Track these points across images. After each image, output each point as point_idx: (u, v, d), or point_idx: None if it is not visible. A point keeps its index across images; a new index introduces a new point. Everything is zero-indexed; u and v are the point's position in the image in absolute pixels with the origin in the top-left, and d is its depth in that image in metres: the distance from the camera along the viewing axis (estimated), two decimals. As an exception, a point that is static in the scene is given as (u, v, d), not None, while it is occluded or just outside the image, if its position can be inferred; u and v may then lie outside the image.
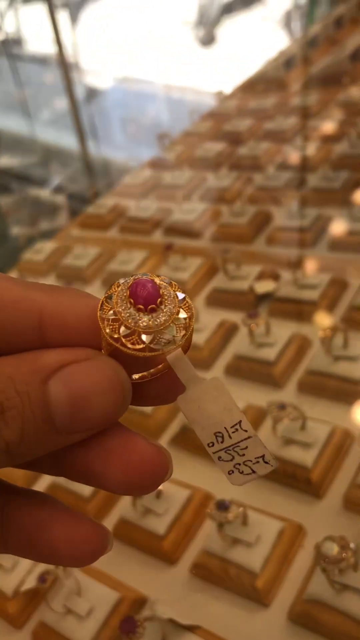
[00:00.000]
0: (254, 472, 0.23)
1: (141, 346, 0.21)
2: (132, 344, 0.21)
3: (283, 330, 0.70)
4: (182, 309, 0.23)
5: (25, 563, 0.58)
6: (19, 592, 0.56)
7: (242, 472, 0.23)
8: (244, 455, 0.23)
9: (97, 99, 3.06)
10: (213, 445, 0.23)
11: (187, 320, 0.22)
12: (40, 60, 3.33)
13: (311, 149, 1.03)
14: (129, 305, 0.22)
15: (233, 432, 0.23)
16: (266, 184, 0.99)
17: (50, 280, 0.98)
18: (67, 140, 2.73)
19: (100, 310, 0.22)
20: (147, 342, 0.21)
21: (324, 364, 0.64)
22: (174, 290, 0.23)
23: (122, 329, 0.21)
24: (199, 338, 0.72)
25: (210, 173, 1.10)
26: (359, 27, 1.42)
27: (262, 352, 0.68)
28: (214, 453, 0.23)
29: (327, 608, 0.47)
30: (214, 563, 0.53)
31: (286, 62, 1.33)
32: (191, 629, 0.49)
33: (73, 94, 2.44)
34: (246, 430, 0.23)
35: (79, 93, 2.55)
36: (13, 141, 3.19)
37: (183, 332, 0.22)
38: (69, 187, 2.56)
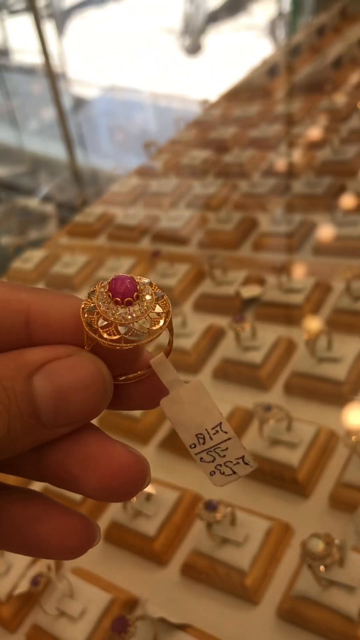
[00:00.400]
0: (234, 472, 0.24)
1: (117, 337, 0.22)
2: (109, 334, 0.22)
3: (269, 334, 0.71)
4: (159, 304, 0.23)
5: (18, 567, 0.58)
6: (12, 596, 0.57)
7: (223, 473, 0.24)
8: (224, 456, 0.24)
9: (84, 108, 3.08)
10: (195, 446, 0.24)
11: (164, 315, 0.23)
12: (27, 71, 3.35)
13: (295, 156, 1.04)
14: (108, 299, 0.23)
15: (214, 434, 0.24)
16: (251, 190, 1.01)
17: (40, 289, 0.99)
18: (54, 149, 2.74)
19: (82, 305, 0.23)
20: (122, 333, 0.22)
21: (309, 366, 0.65)
22: (153, 289, 0.24)
23: (100, 320, 0.22)
24: (186, 342, 0.73)
25: (196, 180, 1.11)
26: (341, 36, 1.44)
27: (248, 355, 0.69)
28: (196, 454, 0.24)
29: (314, 604, 0.48)
30: (203, 563, 0.54)
31: (270, 70, 1.35)
32: (182, 627, 0.50)
33: (60, 103, 2.46)
34: (226, 432, 0.24)
35: (66, 103, 2.56)
36: (1, 151, 3.20)
37: (159, 325, 0.23)
38: (58, 196, 2.57)
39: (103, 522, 0.61)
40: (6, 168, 3.03)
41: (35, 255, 1.05)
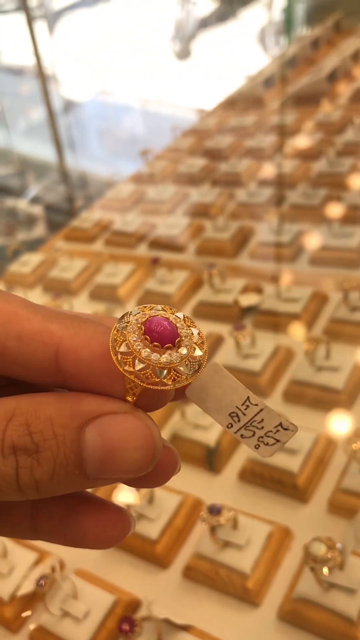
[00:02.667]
0: (278, 441, 0.24)
1: (156, 380, 0.22)
2: (147, 377, 0.22)
3: (267, 342, 0.72)
4: (197, 346, 0.23)
5: (21, 569, 0.59)
6: (15, 596, 0.58)
7: (267, 444, 0.24)
8: (262, 428, 0.24)
9: (74, 110, 3.08)
10: (232, 426, 0.24)
11: (201, 359, 0.23)
12: (15, 71, 3.34)
13: (291, 167, 1.06)
14: (145, 342, 0.22)
15: (245, 409, 0.24)
16: (248, 200, 1.02)
17: (37, 292, 1.00)
18: (43, 151, 2.74)
19: (112, 343, 0.22)
20: (161, 377, 0.22)
21: (308, 374, 0.67)
22: (188, 326, 0.24)
23: (138, 364, 0.22)
24: (186, 349, 0.75)
25: (193, 188, 1.13)
26: (335, 49, 1.47)
27: (248, 363, 0.70)
28: (235, 433, 0.24)
29: (315, 606, 0.50)
30: (205, 565, 0.55)
31: (265, 81, 1.37)
32: (185, 628, 0.51)
33: (51, 105, 2.46)
34: (256, 405, 0.24)
35: (56, 104, 2.57)
36: (-11, 152, 3.18)
37: (196, 368, 0.23)
38: (46, 198, 2.57)
39: (105, 525, 0.62)
40: (-6, 169, 3.01)
41: (32, 259, 1.06)
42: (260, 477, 0.60)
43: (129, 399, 0.23)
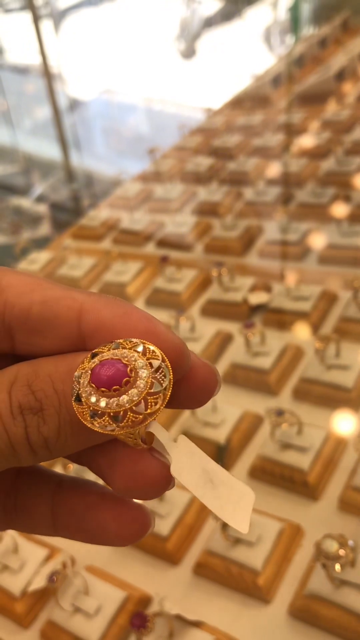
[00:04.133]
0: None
1: (113, 427, 0.21)
2: (102, 427, 0.21)
3: (277, 340, 0.73)
4: (155, 380, 0.22)
5: (32, 564, 0.60)
6: (26, 592, 0.58)
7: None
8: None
9: (79, 109, 3.09)
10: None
11: (162, 393, 0.22)
12: (20, 70, 3.34)
13: (299, 165, 1.06)
14: (94, 388, 0.21)
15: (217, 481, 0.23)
16: (256, 198, 1.03)
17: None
18: (48, 149, 2.75)
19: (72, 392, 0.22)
20: (117, 422, 0.21)
21: (318, 373, 0.67)
22: (147, 358, 0.22)
23: (91, 412, 0.21)
24: (195, 347, 0.75)
25: (201, 187, 1.13)
26: (342, 48, 1.47)
27: (257, 360, 0.70)
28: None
29: (326, 603, 0.50)
30: (216, 562, 0.55)
31: (273, 79, 1.37)
32: (197, 624, 0.52)
33: (56, 104, 2.46)
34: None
35: (62, 103, 2.57)
36: (-6, 150, 3.19)
37: (157, 407, 0.21)
38: (51, 197, 2.57)
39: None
40: None
41: (41, 257, 1.06)
42: (270, 474, 0.61)
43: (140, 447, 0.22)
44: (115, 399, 0.21)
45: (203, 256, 0.96)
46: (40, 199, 2.55)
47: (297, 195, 1.00)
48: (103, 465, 0.23)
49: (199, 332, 0.77)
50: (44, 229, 2.23)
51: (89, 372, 0.21)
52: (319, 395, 0.66)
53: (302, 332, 0.75)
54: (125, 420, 0.21)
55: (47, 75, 2.43)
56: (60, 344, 0.24)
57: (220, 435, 0.64)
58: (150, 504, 0.60)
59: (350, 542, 0.49)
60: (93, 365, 0.22)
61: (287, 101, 1.33)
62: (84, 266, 0.99)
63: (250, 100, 1.38)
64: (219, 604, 0.54)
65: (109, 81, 3.25)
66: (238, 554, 0.54)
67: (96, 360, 0.22)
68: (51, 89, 2.44)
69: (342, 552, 0.48)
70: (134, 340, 0.22)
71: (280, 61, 1.53)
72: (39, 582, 0.58)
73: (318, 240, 0.89)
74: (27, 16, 2.51)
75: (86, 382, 0.21)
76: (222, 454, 0.64)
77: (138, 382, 0.21)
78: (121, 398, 0.21)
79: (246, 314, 0.80)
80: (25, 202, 2.46)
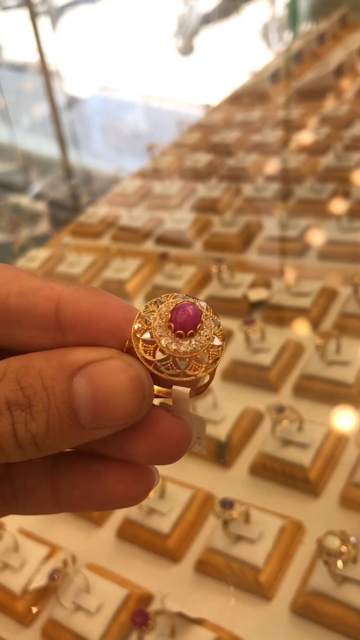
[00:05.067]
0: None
1: (177, 371, 0.22)
2: (167, 368, 0.22)
3: (277, 337, 0.72)
4: (217, 336, 0.23)
5: (32, 563, 0.59)
6: (27, 590, 0.58)
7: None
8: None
9: (77, 106, 3.08)
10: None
11: (219, 349, 0.23)
12: (18, 68, 3.34)
13: (298, 161, 1.06)
14: (168, 331, 0.22)
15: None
16: (255, 194, 1.02)
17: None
18: (46, 147, 2.74)
19: (135, 327, 0.22)
20: (182, 368, 0.22)
21: (318, 369, 0.67)
22: (211, 316, 0.23)
23: (158, 353, 0.22)
24: (195, 344, 0.75)
25: (200, 183, 1.13)
26: (341, 43, 1.47)
27: (257, 357, 0.70)
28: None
29: (328, 600, 0.50)
30: (217, 559, 0.55)
31: (271, 75, 1.37)
32: (198, 622, 0.51)
33: (54, 101, 2.45)
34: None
35: (60, 100, 2.57)
36: (-8, 148, 3.18)
37: (214, 359, 0.23)
38: (50, 195, 2.57)
39: (117, 519, 0.62)
40: (-3, 165, 3.01)
41: (40, 255, 1.06)
42: (271, 471, 0.60)
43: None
44: (187, 343, 0.22)
45: (202, 253, 0.96)
46: (38, 196, 2.55)
47: (297, 191, 0.99)
48: (120, 434, 0.23)
49: (198, 329, 0.77)
50: (43, 226, 2.23)
51: (168, 314, 0.22)
52: (319, 391, 0.66)
53: (302, 328, 0.75)
54: (189, 367, 0.22)
55: (45, 72, 2.42)
56: (38, 335, 0.23)
57: (220, 432, 0.64)
58: (150, 502, 0.60)
59: (352, 539, 0.49)
60: (169, 308, 0.22)
61: (286, 97, 1.33)
62: (83, 263, 0.99)
63: (249, 97, 1.38)
64: (220, 601, 0.54)
65: (107, 78, 3.24)
66: (239, 551, 0.54)
67: (167, 304, 0.22)
68: (49, 86, 2.43)
69: (344, 548, 0.48)
70: (194, 297, 0.23)
71: (278, 57, 1.53)
72: (40, 581, 0.57)
73: (318, 236, 0.89)
74: (24, 13, 2.50)
75: (161, 323, 0.22)
76: (223, 451, 0.64)
77: (205, 332, 0.22)
78: (191, 343, 0.22)
79: (246, 310, 0.80)
80: (23, 200, 2.45)
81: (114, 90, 3.19)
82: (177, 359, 0.22)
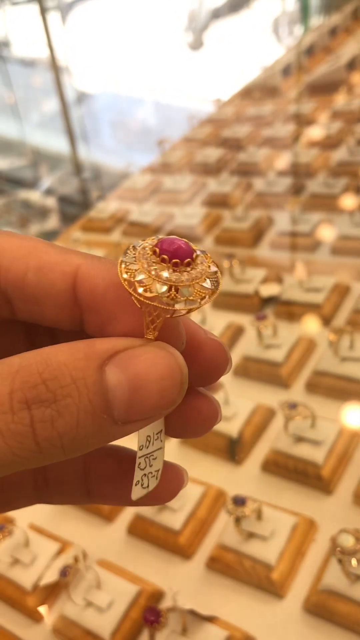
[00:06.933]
0: (147, 486, 0.23)
1: (182, 299, 0.21)
2: (173, 298, 0.20)
3: (289, 332, 0.72)
4: (211, 264, 0.22)
5: (43, 558, 0.59)
6: (38, 586, 0.58)
7: (142, 485, 0.23)
8: (152, 466, 0.23)
9: (87, 102, 3.08)
10: (142, 449, 0.23)
11: (218, 274, 0.22)
12: (27, 63, 3.33)
13: (310, 156, 1.05)
14: (162, 264, 0.21)
15: (155, 440, 0.23)
16: (267, 189, 1.01)
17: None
18: (56, 143, 2.74)
19: (124, 277, 0.21)
20: (187, 296, 0.21)
21: (331, 365, 0.66)
22: (207, 261, 0.22)
23: (158, 286, 0.20)
24: (207, 340, 0.74)
25: (211, 178, 1.12)
26: (353, 36, 1.45)
27: (270, 353, 0.70)
28: (138, 457, 0.23)
29: (342, 598, 0.49)
30: (229, 556, 0.55)
31: (283, 69, 1.35)
32: (210, 619, 0.51)
33: (64, 96, 2.45)
34: (162, 441, 0.23)
35: (69, 96, 2.56)
36: (2, 143, 3.19)
37: (217, 282, 0.22)
38: (59, 190, 2.56)
39: (128, 515, 0.62)
40: (7, 160, 3.02)
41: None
42: (284, 468, 0.60)
43: (150, 336, 0.21)
44: (187, 273, 0.21)
45: (213, 248, 0.95)
46: (48, 192, 2.55)
47: (309, 185, 0.99)
48: None
49: (210, 325, 0.76)
50: (52, 222, 2.23)
51: (154, 249, 0.21)
52: (332, 387, 0.65)
53: (314, 324, 0.75)
54: (195, 294, 0.21)
55: (55, 67, 2.42)
56: (56, 312, 0.23)
57: (232, 428, 0.64)
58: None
59: (367, 537, 0.48)
60: (152, 244, 0.21)
61: (298, 91, 1.31)
62: (94, 258, 0.98)
63: (260, 91, 1.36)
64: (232, 599, 0.54)
65: (116, 73, 3.24)
66: (251, 548, 0.54)
67: (149, 242, 0.21)
68: (59, 81, 2.43)
69: (358, 546, 0.47)
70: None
71: (290, 51, 1.52)
72: (51, 576, 0.57)
73: (330, 231, 0.88)
74: (34, 8, 2.50)
75: (150, 260, 0.20)
76: (235, 448, 0.63)
77: (200, 258, 0.21)
78: (192, 271, 0.21)
79: (258, 306, 0.79)
80: (33, 195, 2.45)
81: (124, 85, 3.19)
82: (180, 288, 0.20)
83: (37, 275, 0.22)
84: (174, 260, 0.21)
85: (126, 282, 0.21)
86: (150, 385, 0.20)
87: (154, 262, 0.21)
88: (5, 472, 0.20)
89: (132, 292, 0.20)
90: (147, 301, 0.20)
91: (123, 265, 0.21)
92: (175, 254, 0.21)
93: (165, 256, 0.21)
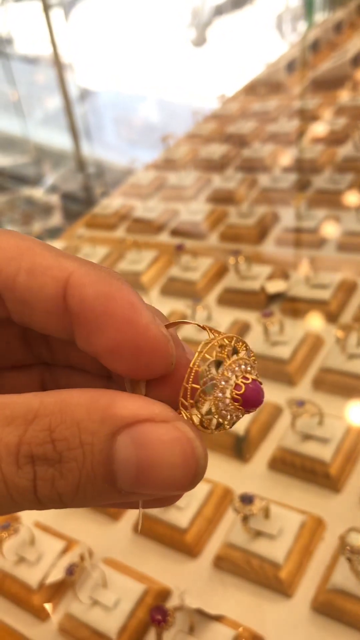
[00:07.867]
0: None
1: (213, 430, 0.22)
2: (207, 425, 0.22)
3: (296, 329, 0.71)
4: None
5: (49, 557, 0.59)
6: (44, 584, 0.57)
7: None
8: None
9: (90, 99, 3.07)
10: None
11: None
12: (30, 60, 3.33)
13: (315, 152, 1.04)
14: (231, 403, 0.22)
15: None
16: (272, 185, 1.01)
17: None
18: (59, 139, 2.73)
19: (196, 367, 0.21)
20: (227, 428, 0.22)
21: (339, 362, 0.65)
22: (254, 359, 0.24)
23: (214, 421, 0.21)
24: (213, 337, 0.74)
25: (215, 174, 1.11)
26: (358, 32, 1.44)
27: (276, 350, 0.69)
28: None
29: (350, 597, 0.49)
30: (236, 555, 0.54)
31: (287, 65, 1.35)
32: (217, 618, 0.51)
33: (67, 94, 2.44)
34: None
35: (72, 93, 2.56)
36: (5, 140, 3.19)
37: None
38: (62, 187, 2.56)
39: (133, 513, 0.62)
40: (11, 158, 3.02)
41: (54, 246, 1.05)
42: (291, 465, 0.59)
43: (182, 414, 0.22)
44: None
45: (218, 244, 0.95)
46: (51, 189, 2.54)
47: (314, 181, 0.98)
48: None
49: (216, 322, 0.76)
50: (56, 219, 2.23)
51: (241, 386, 0.22)
52: (339, 385, 0.65)
53: (321, 320, 0.74)
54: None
55: (58, 64, 2.41)
56: (45, 317, 0.22)
57: (239, 426, 0.63)
58: (168, 496, 0.59)
59: (376, 536, 0.48)
60: (236, 379, 0.22)
61: (302, 87, 1.31)
62: (98, 255, 0.98)
63: (264, 87, 1.36)
64: (239, 597, 0.53)
65: (119, 70, 3.23)
66: (259, 547, 0.53)
67: (230, 372, 0.22)
68: (62, 78, 2.42)
69: (367, 545, 0.47)
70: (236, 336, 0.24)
71: (294, 47, 1.51)
72: (57, 575, 0.57)
73: (336, 227, 0.88)
74: (37, 5, 2.49)
75: (229, 397, 0.21)
76: (241, 445, 0.63)
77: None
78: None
79: (264, 302, 0.79)
80: (36, 193, 2.45)
81: (127, 81, 3.18)
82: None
83: (28, 277, 0.22)
84: (240, 408, 0.22)
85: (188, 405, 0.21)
86: (160, 470, 0.20)
87: (229, 404, 0.21)
88: (3, 514, 0.20)
89: (185, 413, 0.21)
90: (191, 417, 0.22)
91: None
92: (255, 405, 0.22)
93: (243, 407, 0.22)
